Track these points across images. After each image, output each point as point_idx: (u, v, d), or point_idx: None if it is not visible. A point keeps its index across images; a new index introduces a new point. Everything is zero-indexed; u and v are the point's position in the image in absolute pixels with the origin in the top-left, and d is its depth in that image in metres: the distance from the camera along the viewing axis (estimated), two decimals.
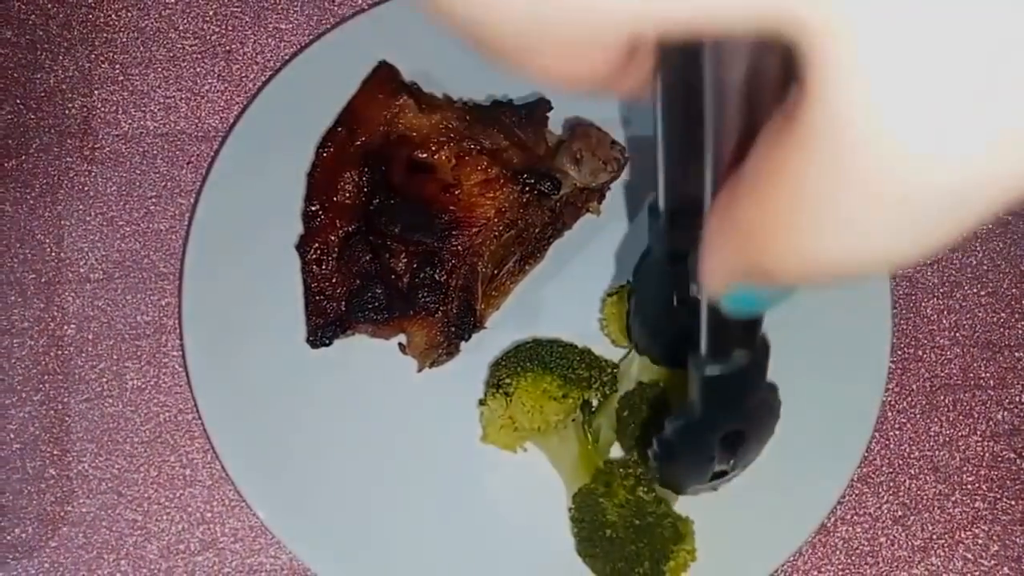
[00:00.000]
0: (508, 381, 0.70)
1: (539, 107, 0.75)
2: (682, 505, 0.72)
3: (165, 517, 0.76)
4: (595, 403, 0.73)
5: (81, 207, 0.81)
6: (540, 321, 0.77)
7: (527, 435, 0.71)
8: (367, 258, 0.73)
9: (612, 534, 0.67)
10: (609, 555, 0.67)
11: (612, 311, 0.74)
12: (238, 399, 0.74)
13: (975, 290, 0.82)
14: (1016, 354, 0.81)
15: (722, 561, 0.73)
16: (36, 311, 0.79)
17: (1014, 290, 0.82)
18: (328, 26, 0.84)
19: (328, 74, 0.78)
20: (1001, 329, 0.81)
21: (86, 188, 0.81)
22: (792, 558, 0.74)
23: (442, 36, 0.79)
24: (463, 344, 0.73)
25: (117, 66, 0.84)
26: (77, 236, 0.81)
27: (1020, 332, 0.81)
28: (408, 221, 0.72)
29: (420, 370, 0.73)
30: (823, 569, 0.77)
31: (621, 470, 0.70)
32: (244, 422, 0.73)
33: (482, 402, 0.73)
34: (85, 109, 0.83)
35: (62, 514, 0.75)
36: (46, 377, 0.78)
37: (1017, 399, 0.80)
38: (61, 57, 0.84)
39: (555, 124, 0.77)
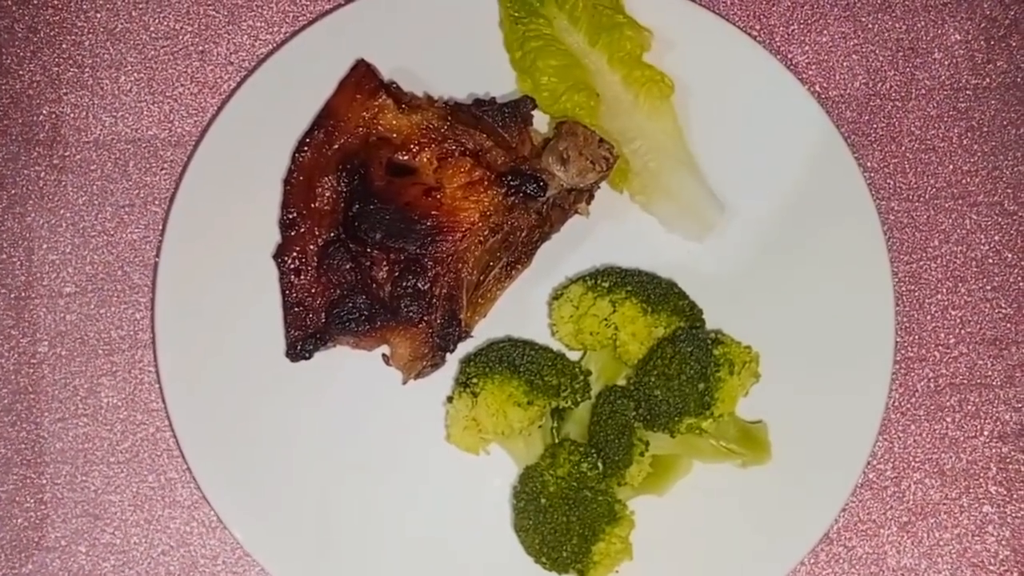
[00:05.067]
0: (476, 381, 0.68)
1: (523, 105, 0.71)
2: (681, 514, 0.70)
3: (144, 541, 0.73)
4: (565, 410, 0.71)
5: (51, 218, 0.78)
6: (528, 325, 0.74)
7: (491, 438, 0.69)
8: (347, 267, 0.70)
9: (547, 503, 0.65)
10: (540, 526, 0.66)
11: (560, 314, 0.71)
12: (215, 418, 0.71)
13: (980, 284, 0.79)
14: None
15: (723, 574, 0.70)
16: (6, 328, 0.76)
17: (1021, 284, 0.79)
18: (304, 22, 0.81)
19: (304, 74, 0.75)
20: (1008, 324, 0.79)
21: (56, 198, 0.78)
22: (793, 569, 0.72)
23: (421, 31, 0.77)
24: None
25: (86, 70, 0.81)
26: (48, 249, 0.78)
27: None
28: (389, 227, 0.69)
29: (405, 382, 0.71)
30: None
31: (570, 444, 0.68)
32: (221, 442, 0.71)
33: (449, 399, 0.71)
34: (53, 115, 0.80)
35: (36, 539, 0.73)
36: (18, 396, 0.75)
37: None
38: (27, 61, 0.80)
39: (540, 122, 0.74)
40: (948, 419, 0.77)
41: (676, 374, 0.65)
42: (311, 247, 0.71)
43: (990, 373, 0.78)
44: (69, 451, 0.74)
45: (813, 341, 0.73)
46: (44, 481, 0.74)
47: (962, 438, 0.77)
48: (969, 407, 0.77)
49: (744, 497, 0.71)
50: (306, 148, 0.72)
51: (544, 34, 0.75)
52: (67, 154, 0.79)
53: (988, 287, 0.79)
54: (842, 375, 0.73)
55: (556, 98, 0.74)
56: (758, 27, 0.82)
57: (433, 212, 0.69)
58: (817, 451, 0.71)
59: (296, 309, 0.71)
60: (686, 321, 0.69)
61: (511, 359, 0.68)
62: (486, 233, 0.69)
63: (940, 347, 0.78)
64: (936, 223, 0.80)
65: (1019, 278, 0.79)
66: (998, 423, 0.77)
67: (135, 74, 0.81)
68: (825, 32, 0.83)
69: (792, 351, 0.73)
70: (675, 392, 0.65)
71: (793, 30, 0.83)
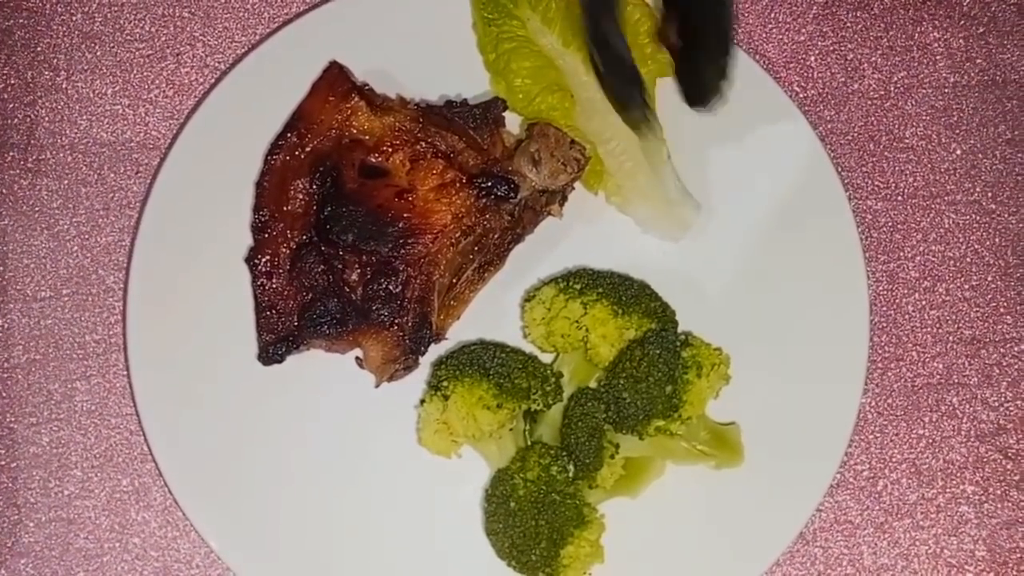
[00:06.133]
0: (446, 384, 0.68)
1: (494, 107, 0.71)
2: (654, 516, 0.70)
3: (118, 545, 0.73)
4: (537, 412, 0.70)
5: (26, 222, 0.78)
6: (501, 328, 0.74)
7: (462, 441, 0.69)
8: (319, 270, 0.70)
9: (516, 507, 0.65)
10: (509, 530, 0.66)
11: (532, 316, 0.71)
12: (186, 421, 0.71)
13: (958, 284, 0.79)
14: (1001, 350, 0.78)
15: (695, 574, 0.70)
16: None
17: (999, 283, 0.79)
18: (279, 24, 0.80)
19: (277, 76, 0.75)
20: (985, 324, 0.78)
21: (31, 202, 0.78)
22: (768, 569, 0.71)
23: (394, 32, 0.76)
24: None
25: (61, 73, 0.80)
26: (22, 252, 0.77)
27: (1005, 327, 0.78)
28: (361, 230, 0.69)
29: (378, 385, 0.70)
30: None
31: (540, 447, 0.68)
32: (193, 445, 0.71)
33: (422, 402, 0.71)
34: (28, 119, 0.79)
35: (9, 545, 0.73)
36: None
37: (1003, 397, 0.77)
38: (1, 65, 0.80)
39: (513, 124, 0.74)
40: (925, 419, 0.77)
41: (644, 376, 0.65)
42: (283, 250, 0.71)
43: (967, 373, 0.77)
44: (43, 455, 0.74)
45: (789, 340, 0.73)
46: (17, 486, 0.74)
47: (939, 438, 0.76)
48: (946, 407, 0.77)
49: (718, 498, 0.71)
50: (278, 151, 0.72)
51: (518, 35, 0.75)
52: (42, 158, 0.79)
53: (966, 286, 0.79)
54: (817, 375, 0.72)
55: (530, 99, 0.74)
56: (734, 25, 0.82)
57: (405, 214, 0.69)
58: (791, 452, 0.71)
59: (268, 312, 0.70)
60: (658, 323, 0.69)
61: (481, 362, 0.68)
62: (458, 235, 0.69)
63: (917, 347, 0.78)
64: (914, 222, 0.80)
65: (996, 277, 0.79)
66: (975, 422, 0.77)
67: (110, 77, 0.81)
68: (803, 30, 0.82)
69: (768, 351, 0.73)
70: (643, 395, 0.65)
71: (771, 28, 0.82)
